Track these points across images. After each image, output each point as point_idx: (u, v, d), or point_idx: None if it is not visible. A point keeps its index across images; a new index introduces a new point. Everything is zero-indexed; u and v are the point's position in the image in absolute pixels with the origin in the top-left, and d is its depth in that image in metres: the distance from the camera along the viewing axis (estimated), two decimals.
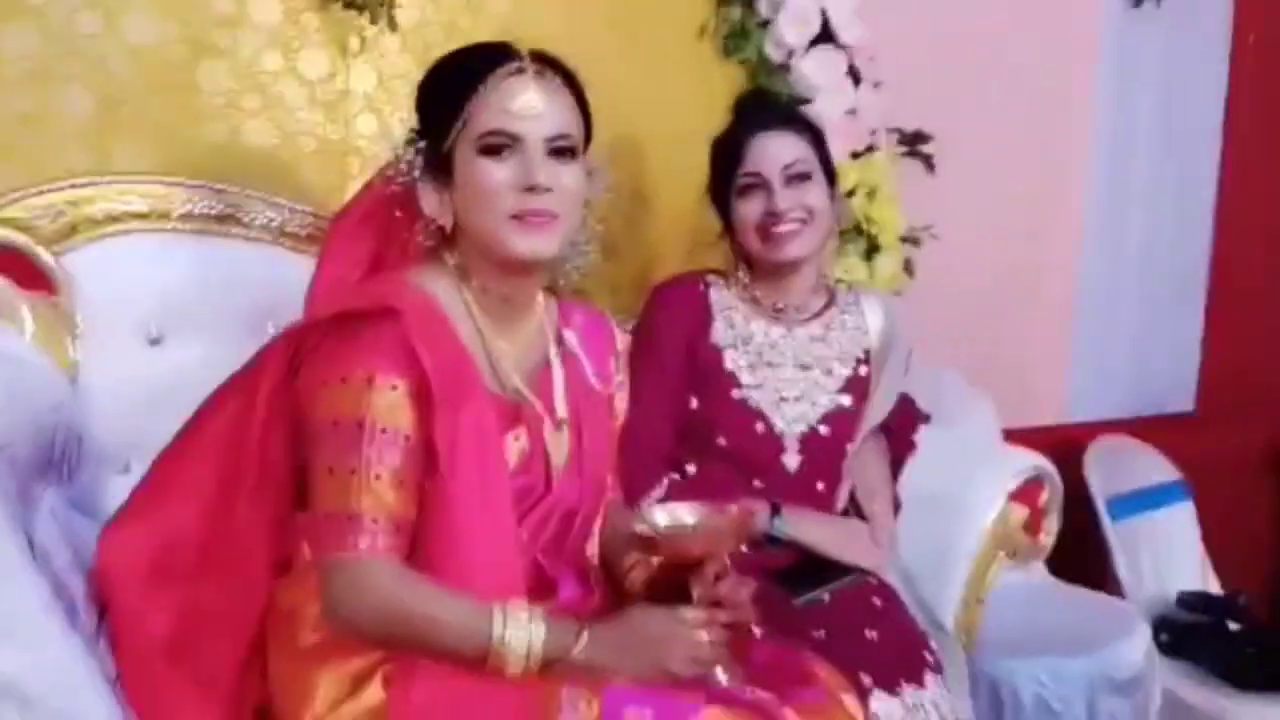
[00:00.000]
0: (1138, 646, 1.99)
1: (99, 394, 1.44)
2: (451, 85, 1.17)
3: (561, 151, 1.18)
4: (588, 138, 1.24)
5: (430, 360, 1.10)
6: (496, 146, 1.15)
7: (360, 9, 1.61)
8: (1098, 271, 2.70)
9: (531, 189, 1.14)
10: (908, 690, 1.34)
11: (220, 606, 1.19)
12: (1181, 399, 2.92)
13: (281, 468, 1.19)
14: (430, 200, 1.19)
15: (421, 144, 1.18)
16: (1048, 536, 1.71)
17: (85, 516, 1.39)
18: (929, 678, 1.38)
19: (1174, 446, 2.69)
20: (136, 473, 1.45)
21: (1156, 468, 2.62)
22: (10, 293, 1.38)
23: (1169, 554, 2.56)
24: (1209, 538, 2.65)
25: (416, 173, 1.18)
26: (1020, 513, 1.67)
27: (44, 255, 1.40)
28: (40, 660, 1.06)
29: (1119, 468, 2.56)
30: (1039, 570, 2.32)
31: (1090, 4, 2.61)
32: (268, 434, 1.17)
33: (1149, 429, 2.73)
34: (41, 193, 1.42)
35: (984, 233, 2.49)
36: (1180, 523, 2.61)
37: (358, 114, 1.67)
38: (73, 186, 1.43)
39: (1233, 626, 2.36)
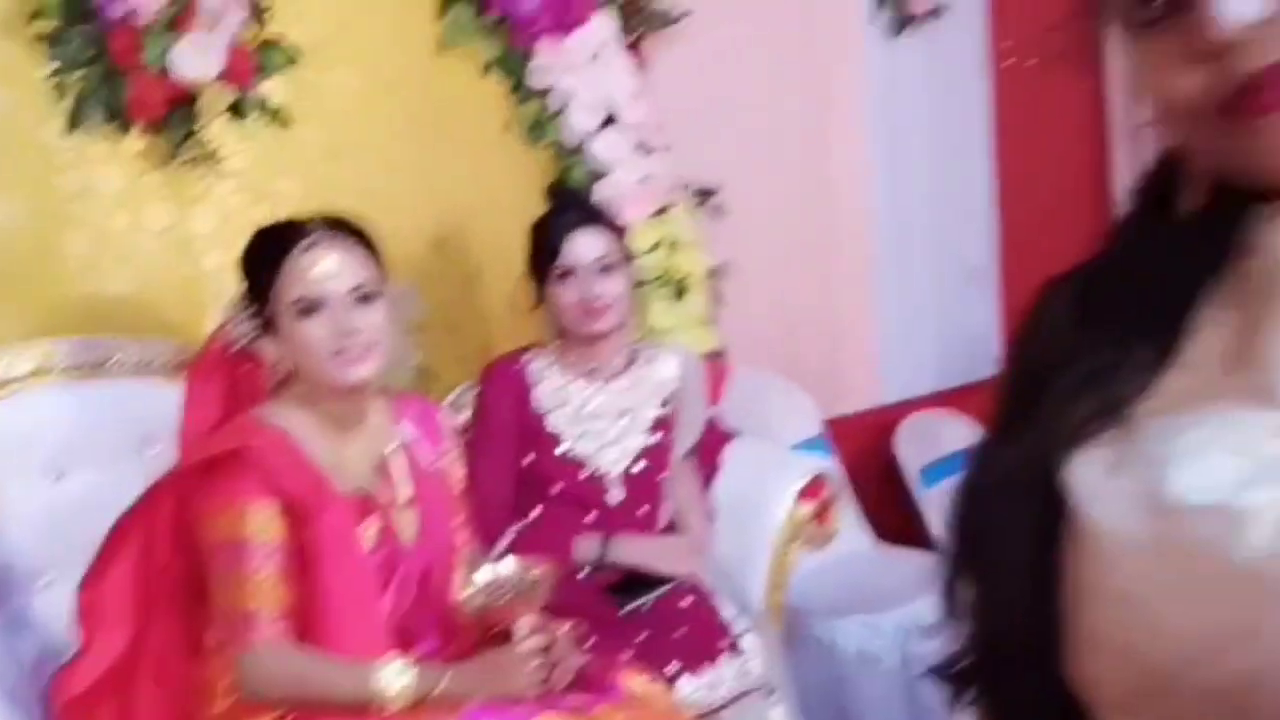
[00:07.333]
0: None
1: (17, 528, 1.70)
2: (262, 264, 1.47)
3: (363, 297, 1.47)
4: (385, 273, 1.53)
5: (287, 482, 1.40)
6: (309, 308, 1.44)
7: (194, 163, 1.87)
8: (893, 272, 3.09)
9: (343, 334, 1.44)
10: (707, 670, 1.71)
11: (153, 704, 1.48)
12: (985, 370, 3.34)
13: (187, 581, 1.48)
14: (270, 352, 1.48)
15: (249, 310, 1.47)
16: (835, 523, 2.07)
17: (23, 631, 1.66)
18: (724, 658, 1.76)
19: (982, 411, 3.09)
20: (56, 586, 1.73)
21: (964, 433, 3.02)
22: None
23: None
24: None
25: (251, 336, 1.46)
26: (808, 507, 2.03)
27: None
28: None
29: (930, 438, 2.95)
30: (864, 541, 2.71)
31: (852, 37, 2.97)
32: (173, 559, 1.47)
33: (957, 399, 3.13)
34: None
35: (788, 254, 2.86)
36: None
37: (203, 253, 1.93)
38: None
39: None
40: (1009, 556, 0.61)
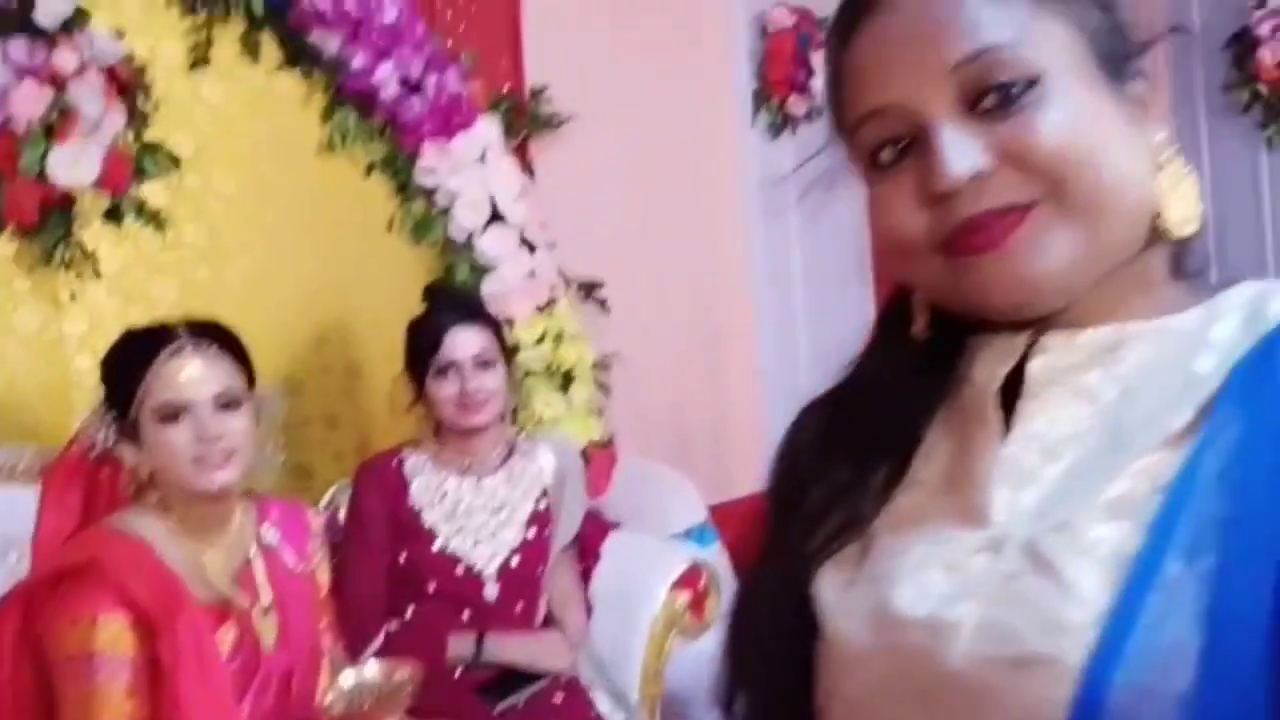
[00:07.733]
0: None
1: None
2: (126, 369, 1.46)
3: (227, 404, 1.48)
4: (253, 379, 1.54)
5: (140, 592, 1.38)
6: (172, 415, 1.44)
7: (68, 266, 1.86)
8: (776, 360, 3.19)
9: (205, 440, 1.44)
10: None
11: None
12: None
13: (31, 694, 1.44)
14: (129, 456, 1.47)
15: (111, 414, 1.47)
16: (712, 612, 2.10)
17: None
18: None
19: None
20: None
21: None
22: None
23: None
24: None
25: (111, 441, 1.46)
26: (683, 597, 2.06)
27: None
28: None
29: None
30: None
31: (733, 138, 3.12)
32: (17, 672, 1.42)
33: None
34: None
35: (674, 345, 2.94)
36: None
37: (74, 354, 1.92)
38: None
39: None
40: (771, 667, 0.66)
